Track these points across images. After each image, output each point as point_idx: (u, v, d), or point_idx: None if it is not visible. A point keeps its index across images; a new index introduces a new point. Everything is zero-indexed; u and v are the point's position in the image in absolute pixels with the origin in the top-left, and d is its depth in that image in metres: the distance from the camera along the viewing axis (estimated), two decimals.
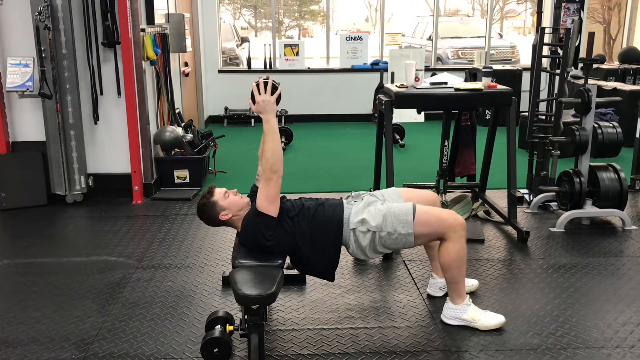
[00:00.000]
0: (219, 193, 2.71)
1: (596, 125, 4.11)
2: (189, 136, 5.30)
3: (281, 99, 2.63)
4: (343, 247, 2.72)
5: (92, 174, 4.86)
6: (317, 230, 2.66)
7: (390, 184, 4.01)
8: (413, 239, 2.64)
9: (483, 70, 4.19)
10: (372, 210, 2.68)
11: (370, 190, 4.79)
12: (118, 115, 4.80)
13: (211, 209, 2.69)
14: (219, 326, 2.58)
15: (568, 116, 5.72)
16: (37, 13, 4.31)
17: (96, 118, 4.75)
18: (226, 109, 8.32)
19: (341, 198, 2.83)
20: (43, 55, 4.40)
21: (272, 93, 2.56)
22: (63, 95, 4.57)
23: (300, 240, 2.63)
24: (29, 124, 4.74)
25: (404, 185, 4.62)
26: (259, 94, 2.55)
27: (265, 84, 2.54)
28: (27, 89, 4.45)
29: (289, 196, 2.96)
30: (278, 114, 7.91)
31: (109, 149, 4.87)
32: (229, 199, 2.70)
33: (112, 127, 4.84)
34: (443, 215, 2.69)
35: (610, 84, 7.00)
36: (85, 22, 4.56)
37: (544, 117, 4.66)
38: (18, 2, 4.50)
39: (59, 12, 4.42)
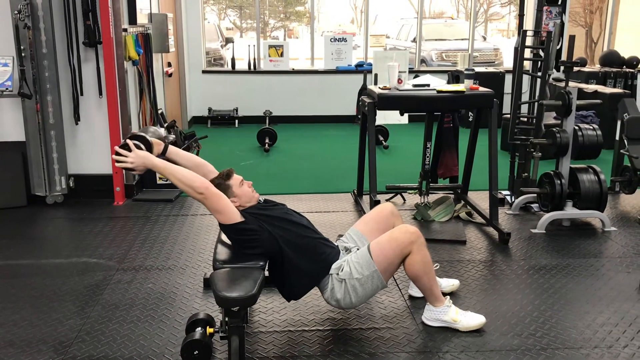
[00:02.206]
0: (236, 179, 2.70)
1: (577, 128, 4.15)
2: (172, 137, 5.26)
3: (145, 138, 2.64)
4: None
5: (72, 175, 4.81)
6: (310, 254, 2.66)
7: (373, 185, 4.02)
8: (381, 275, 2.63)
9: (465, 72, 4.22)
10: (345, 262, 2.69)
11: (353, 192, 4.83)
12: (99, 116, 4.75)
13: (224, 191, 2.66)
14: (200, 328, 2.56)
15: (549, 118, 5.77)
16: (16, 12, 4.26)
17: (77, 118, 4.70)
18: (210, 109, 8.29)
19: (338, 246, 2.83)
20: (23, 54, 4.35)
21: (131, 149, 2.53)
22: (43, 95, 4.52)
23: (286, 246, 2.62)
24: (8, 124, 4.68)
25: (387, 187, 4.65)
26: (127, 157, 2.52)
27: (124, 146, 2.54)
28: (7, 89, 4.40)
29: (274, 198, 2.95)
30: (263, 114, 7.90)
31: (90, 150, 4.83)
32: (242, 188, 2.71)
33: (93, 128, 4.79)
34: (394, 235, 2.66)
35: (591, 87, 7.08)
36: (66, 21, 4.51)
37: (525, 119, 4.70)
38: None
39: (39, 10, 4.37)
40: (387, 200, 4.60)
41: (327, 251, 2.72)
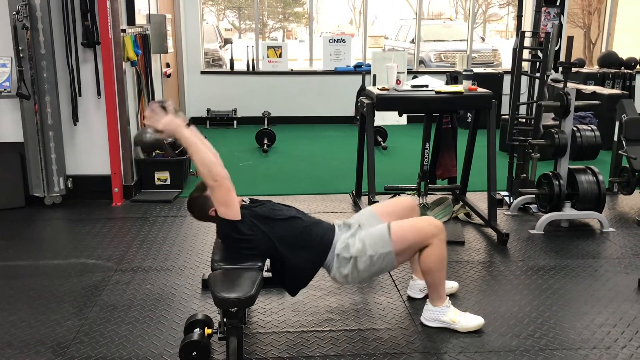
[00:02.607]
0: None
1: (575, 129, 4.16)
2: (170, 138, 5.25)
3: (178, 112, 2.60)
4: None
5: (71, 176, 4.80)
6: (303, 243, 2.65)
7: (372, 186, 4.02)
8: (394, 256, 2.63)
9: (464, 73, 4.22)
10: (355, 238, 2.69)
11: (352, 193, 4.83)
12: (98, 116, 4.75)
13: (203, 203, 2.66)
14: (198, 329, 2.56)
15: (548, 119, 5.77)
16: (15, 12, 4.26)
17: (75, 119, 4.70)
18: (208, 110, 8.29)
19: (333, 224, 2.81)
20: (21, 55, 4.34)
21: (167, 113, 2.51)
22: (42, 95, 4.51)
23: (281, 244, 2.62)
24: (6, 124, 4.67)
25: (385, 188, 4.65)
26: (157, 121, 2.49)
27: (155, 110, 2.50)
28: (5, 89, 4.39)
29: (274, 199, 2.95)
30: (262, 114, 7.90)
31: (89, 151, 4.82)
32: None
33: (91, 128, 4.79)
34: (418, 225, 2.67)
35: (589, 88, 7.09)
36: (64, 22, 4.50)
37: (524, 120, 4.71)
38: None
39: (37, 11, 4.37)
40: None
41: (320, 233, 2.69)
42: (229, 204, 2.56)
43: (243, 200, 2.75)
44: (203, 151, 2.52)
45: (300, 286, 2.76)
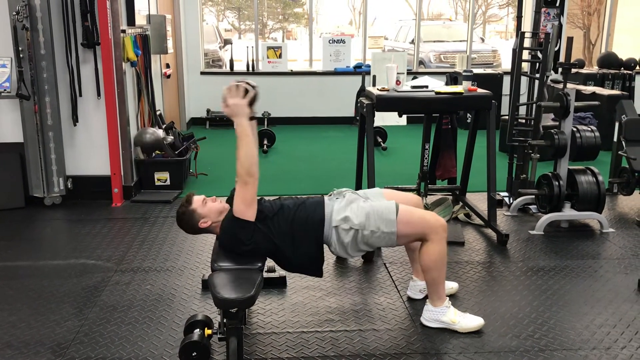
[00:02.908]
0: (197, 201, 2.69)
1: (575, 129, 4.16)
2: (170, 138, 5.26)
3: (257, 101, 2.60)
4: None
5: (71, 176, 4.80)
6: (297, 230, 2.65)
7: (372, 186, 4.01)
8: (396, 237, 2.65)
9: (464, 74, 4.22)
10: (354, 208, 2.68)
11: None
12: (98, 117, 4.75)
13: (190, 217, 2.67)
14: (198, 330, 2.56)
15: (548, 120, 5.77)
16: (15, 13, 4.26)
17: (75, 119, 4.69)
18: (208, 111, 8.29)
19: (322, 195, 2.82)
20: (21, 55, 4.34)
21: (245, 96, 2.53)
22: (41, 96, 4.51)
23: (280, 241, 2.62)
24: (6, 125, 4.67)
25: (386, 188, 4.63)
26: (232, 97, 2.52)
27: (238, 87, 2.52)
28: (4, 90, 4.39)
29: (269, 199, 2.95)
30: (262, 115, 7.91)
31: (89, 151, 4.82)
32: (207, 207, 2.69)
33: (91, 129, 4.79)
34: (426, 216, 2.73)
35: (589, 89, 7.09)
36: (64, 23, 4.51)
37: (523, 120, 4.71)
38: None
39: (37, 12, 4.37)
40: None
41: (310, 211, 2.68)
42: (252, 204, 2.56)
43: None
44: (252, 146, 2.51)
45: (318, 265, 2.71)
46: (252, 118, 2.62)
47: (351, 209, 2.68)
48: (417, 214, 2.72)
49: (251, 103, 2.56)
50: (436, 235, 2.65)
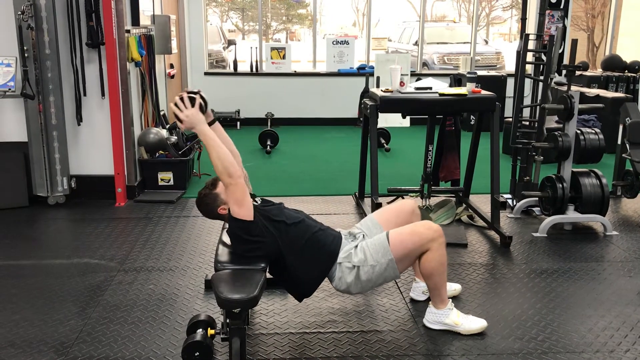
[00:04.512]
0: (222, 187, 2.68)
1: (579, 132, 4.15)
2: (174, 138, 5.27)
3: (208, 104, 2.64)
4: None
5: (74, 176, 4.81)
6: (309, 250, 2.64)
7: (374, 188, 4.02)
8: (396, 265, 2.63)
9: (467, 75, 4.22)
10: (357, 248, 2.69)
11: (354, 195, 4.83)
12: (102, 117, 4.76)
13: (212, 200, 2.66)
14: (201, 330, 2.57)
15: (551, 122, 5.77)
16: (20, 12, 4.27)
17: (79, 119, 4.70)
18: (212, 111, 8.28)
19: (340, 232, 2.81)
20: (26, 55, 4.35)
21: (193, 105, 2.55)
22: (46, 95, 4.52)
23: (286, 249, 2.60)
24: (10, 124, 4.68)
25: (388, 190, 4.64)
26: (181, 111, 2.54)
27: (183, 100, 2.54)
28: (9, 89, 4.40)
29: (276, 200, 2.94)
30: (265, 116, 7.91)
31: (92, 151, 4.83)
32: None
33: (95, 129, 4.80)
34: (417, 230, 2.67)
35: (593, 91, 7.07)
36: (69, 22, 4.52)
37: (527, 123, 4.70)
38: (0, 1, 4.45)
39: (42, 11, 4.38)
40: (388, 203, 4.59)
41: (328, 240, 2.69)
42: (243, 203, 2.55)
43: (255, 200, 2.74)
44: (221, 149, 2.52)
45: (305, 294, 2.75)
46: (212, 122, 2.67)
47: (355, 247, 2.70)
48: (407, 230, 2.67)
49: (202, 109, 2.59)
50: (433, 243, 2.63)
